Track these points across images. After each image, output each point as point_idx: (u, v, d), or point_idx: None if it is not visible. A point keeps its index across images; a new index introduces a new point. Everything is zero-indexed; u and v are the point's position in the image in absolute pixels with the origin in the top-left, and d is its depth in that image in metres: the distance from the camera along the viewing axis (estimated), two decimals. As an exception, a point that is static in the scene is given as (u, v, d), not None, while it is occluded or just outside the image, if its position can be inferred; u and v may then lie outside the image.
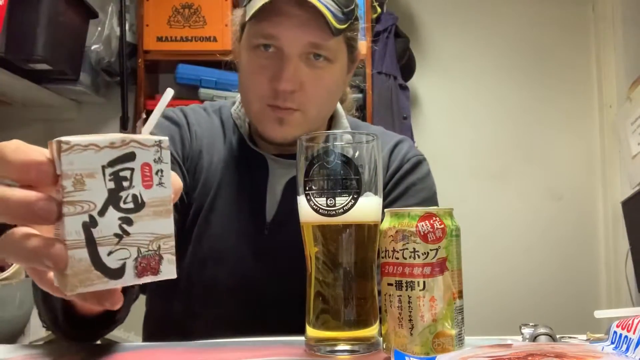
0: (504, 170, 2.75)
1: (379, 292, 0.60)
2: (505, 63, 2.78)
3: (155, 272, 0.42)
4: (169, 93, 0.48)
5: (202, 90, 2.36)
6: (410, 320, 0.55)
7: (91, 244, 0.39)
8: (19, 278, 1.72)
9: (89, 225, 0.39)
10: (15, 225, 0.42)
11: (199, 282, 0.88)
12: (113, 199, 0.40)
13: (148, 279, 0.42)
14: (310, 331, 0.61)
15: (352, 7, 0.85)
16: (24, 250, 0.40)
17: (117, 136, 0.40)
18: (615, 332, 0.55)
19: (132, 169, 0.41)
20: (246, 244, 0.88)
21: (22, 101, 2.43)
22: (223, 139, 0.95)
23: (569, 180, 2.75)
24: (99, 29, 2.36)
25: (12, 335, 1.71)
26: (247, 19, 0.83)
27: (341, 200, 0.58)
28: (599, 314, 0.80)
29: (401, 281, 0.56)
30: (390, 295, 0.57)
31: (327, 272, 0.61)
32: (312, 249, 0.61)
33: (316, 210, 0.58)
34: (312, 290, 0.61)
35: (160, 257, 0.42)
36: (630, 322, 0.52)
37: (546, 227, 2.71)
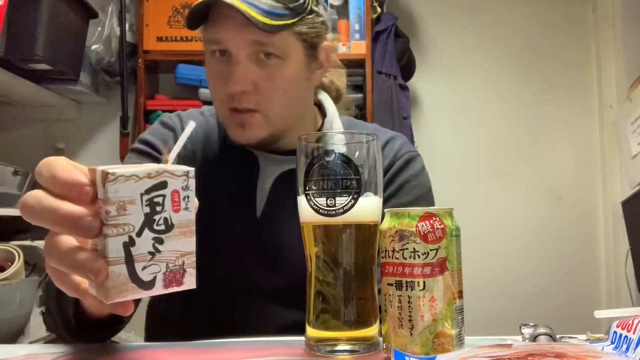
0: (504, 170, 2.75)
1: (379, 292, 0.60)
2: (506, 63, 2.78)
3: (180, 283, 0.48)
4: (191, 125, 0.55)
5: (202, 90, 2.36)
6: (410, 320, 0.55)
7: (129, 260, 0.45)
8: (19, 278, 1.72)
9: (129, 245, 0.45)
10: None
11: (198, 281, 0.88)
12: (148, 221, 0.46)
13: (173, 289, 0.48)
14: (310, 331, 0.61)
15: (301, 2, 0.84)
16: (72, 261, 0.45)
17: (153, 167, 0.46)
18: (615, 332, 0.55)
19: (164, 196, 0.47)
20: (239, 241, 0.89)
21: (22, 101, 2.43)
22: (218, 140, 0.96)
23: (569, 180, 2.75)
24: (99, 29, 2.36)
25: (12, 335, 1.72)
26: (185, 25, 0.85)
27: (341, 200, 0.58)
28: (599, 314, 0.80)
29: (401, 281, 0.56)
30: (390, 295, 0.57)
31: (327, 272, 0.61)
32: (312, 249, 0.61)
33: (316, 210, 0.58)
34: (312, 290, 0.62)
35: (184, 271, 0.49)
36: (630, 322, 0.52)
37: (546, 227, 2.71)
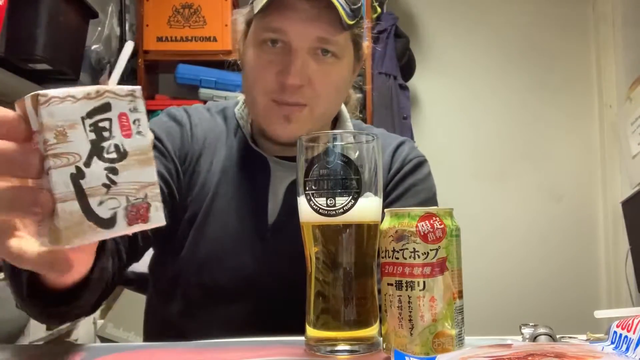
0: (504, 170, 2.75)
1: (379, 292, 0.60)
2: (506, 63, 2.78)
3: (145, 219, 0.43)
4: (130, 45, 0.48)
5: (202, 90, 2.37)
6: (410, 320, 0.55)
7: (81, 195, 0.39)
8: (19, 278, 1.72)
9: (77, 177, 0.39)
10: None
11: (198, 285, 0.87)
12: (96, 149, 0.41)
13: (139, 227, 0.42)
14: (310, 331, 0.61)
15: (359, 4, 0.85)
16: (7, 197, 0.39)
17: (91, 87, 0.41)
18: (615, 332, 0.55)
19: (110, 119, 0.41)
20: (247, 247, 0.88)
21: (22, 101, 2.43)
22: (225, 140, 0.94)
23: (569, 180, 2.76)
24: (99, 29, 2.36)
25: (12, 335, 1.71)
26: (254, 12, 0.82)
27: (341, 200, 0.58)
28: (599, 314, 0.81)
29: (401, 281, 0.56)
30: (390, 295, 0.57)
31: (327, 272, 0.61)
32: (312, 249, 0.61)
33: (316, 211, 0.58)
34: (312, 290, 0.62)
35: (149, 205, 0.43)
36: (630, 322, 0.52)
37: (546, 227, 2.71)
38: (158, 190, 0.43)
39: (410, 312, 0.55)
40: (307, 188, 0.59)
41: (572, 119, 2.78)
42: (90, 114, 0.40)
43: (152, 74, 2.54)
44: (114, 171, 0.41)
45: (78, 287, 0.63)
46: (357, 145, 0.60)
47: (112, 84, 0.53)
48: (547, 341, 0.59)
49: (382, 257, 0.58)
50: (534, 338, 0.60)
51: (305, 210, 0.60)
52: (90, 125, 0.40)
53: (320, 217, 0.58)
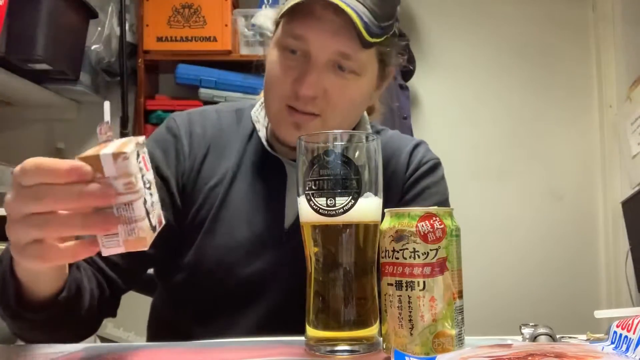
0: (504, 170, 2.75)
1: (379, 292, 0.60)
2: (506, 63, 2.78)
3: (161, 224, 0.59)
4: (107, 105, 0.64)
5: (202, 90, 2.36)
6: (410, 320, 0.55)
7: (148, 214, 0.55)
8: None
9: (145, 203, 0.54)
10: None
11: (209, 290, 0.86)
12: (143, 183, 0.55)
13: (158, 229, 0.58)
14: (310, 331, 0.61)
15: (391, 22, 0.83)
16: (79, 218, 0.52)
17: (135, 140, 0.55)
18: (615, 332, 0.55)
19: (141, 161, 0.56)
20: (261, 252, 0.86)
21: (22, 101, 2.43)
22: (236, 144, 0.93)
23: (569, 180, 2.75)
24: (99, 29, 2.36)
25: (12, 335, 1.71)
26: (279, 16, 0.82)
27: (341, 200, 0.58)
28: (599, 314, 0.81)
29: (401, 281, 0.56)
30: (390, 295, 0.57)
31: (327, 272, 0.61)
32: (312, 249, 0.61)
33: (316, 210, 0.58)
34: (312, 290, 0.62)
35: (160, 214, 0.59)
36: (630, 322, 0.52)
37: (546, 227, 2.71)
38: (159, 204, 0.59)
39: (410, 312, 0.55)
40: (307, 188, 0.59)
41: (572, 119, 2.78)
42: (137, 159, 0.54)
43: (152, 74, 2.54)
44: (151, 196, 0.56)
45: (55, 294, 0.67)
46: (357, 145, 0.60)
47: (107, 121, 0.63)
48: (547, 341, 0.59)
49: (382, 257, 0.58)
50: (534, 338, 0.60)
51: (305, 210, 0.60)
52: (139, 166, 0.55)
53: (320, 217, 0.59)
